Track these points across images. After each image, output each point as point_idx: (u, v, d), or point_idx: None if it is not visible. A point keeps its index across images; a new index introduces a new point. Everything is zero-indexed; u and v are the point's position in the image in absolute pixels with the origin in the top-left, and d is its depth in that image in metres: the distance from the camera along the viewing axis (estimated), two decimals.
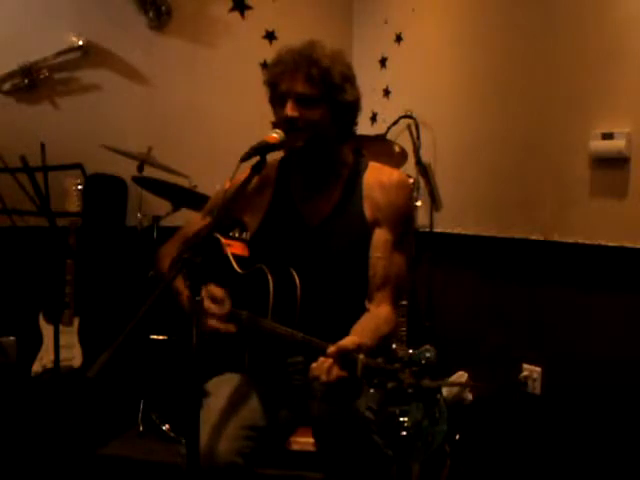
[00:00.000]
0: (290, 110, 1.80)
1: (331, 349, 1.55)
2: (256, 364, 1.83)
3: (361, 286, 1.87)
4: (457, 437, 2.89)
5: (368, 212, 1.88)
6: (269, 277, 1.80)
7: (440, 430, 2.74)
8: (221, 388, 1.84)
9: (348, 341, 1.58)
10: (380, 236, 1.86)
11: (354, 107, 1.89)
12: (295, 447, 1.90)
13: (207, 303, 1.81)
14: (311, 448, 1.86)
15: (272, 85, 1.87)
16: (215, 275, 1.93)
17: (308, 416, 1.87)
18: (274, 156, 1.91)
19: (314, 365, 1.58)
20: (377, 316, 1.81)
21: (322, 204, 1.92)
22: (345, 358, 1.55)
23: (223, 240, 2.01)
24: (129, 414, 3.06)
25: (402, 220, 1.89)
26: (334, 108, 1.84)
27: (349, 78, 1.86)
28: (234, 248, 2.00)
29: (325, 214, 1.91)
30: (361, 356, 1.52)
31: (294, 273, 1.83)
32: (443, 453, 2.77)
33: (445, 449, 2.79)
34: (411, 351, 1.52)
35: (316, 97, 1.81)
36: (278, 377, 1.88)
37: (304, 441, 1.89)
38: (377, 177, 1.91)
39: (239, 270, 1.93)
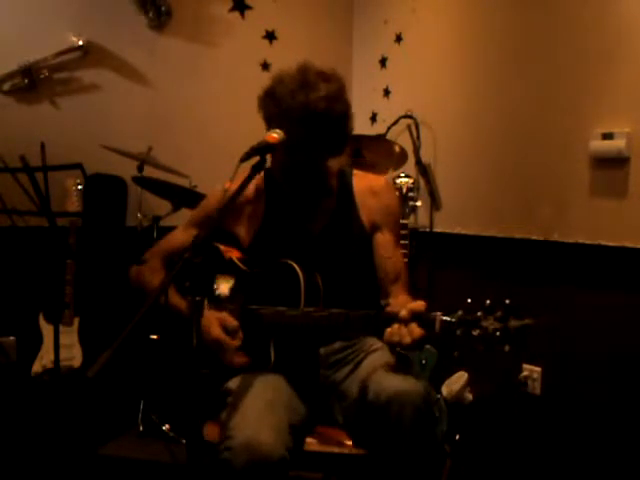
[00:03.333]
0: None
1: (403, 313, 1.60)
2: (282, 361, 1.84)
3: (366, 288, 1.97)
4: (457, 437, 2.89)
5: (365, 218, 1.99)
6: (297, 270, 1.83)
7: (440, 430, 2.74)
8: (254, 385, 1.81)
9: (416, 304, 1.63)
10: (382, 238, 1.98)
11: (348, 137, 1.97)
12: None
13: (220, 333, 1.84)
14: (312, 448, 1.86)
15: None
16: (221, 278, 1.96)
17: (330, 417, 1.90)
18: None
19: (389, 332, 1.63)
20: (399, 304, 1.83)
21: (319, 213, 1.99)
22: (420, 318, 1.59)
23: (222, 247, 2.02)
24: (129, 414, 3.06)
25: (396, 219, 2.06)
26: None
27: (346, 117, 1.92)
28: (234, 253, 2.01)
29: (324, 223, 1.98)
30: (438, 313, 1.56)
31: (297, 268, 1.85)
32: (443, 453, 2.77)
33: (445, 449, 2.79)
34: (488, 302, 1.51)
35: None
36: (304, 373, 1.88)
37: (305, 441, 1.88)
38: (366, 184, 2.03)
39: (249, 270, 1.94)
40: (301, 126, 1.82)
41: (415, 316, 1.60)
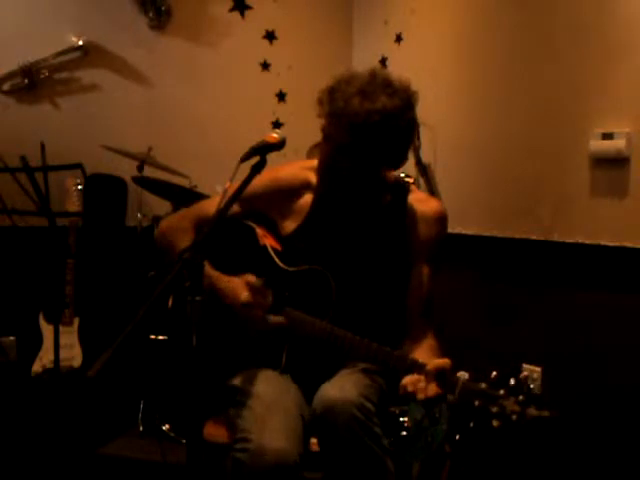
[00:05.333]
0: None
1: (429, 368, 1.59)
2: (292, 364, 1.83)
3: (392, 302, 1.93)
4: (457, 437, 2.89)
5: (410, 241, 1.92)
6: (332, 283, 1.80)
7: (440, 430, 2.73)
8: (265, 385, 1.79)
9: (444, 362, 1.61)
10: (421, 269, 1.91)
11: (406, 154, 1.87)
12: None
13: (247, 295, 1.81)
14: (312, 448, 1.85)
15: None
16: (251, 265, 1.91)
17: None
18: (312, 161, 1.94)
19: (408, 381, 1.61)
20: (423, 349, 1.83)
21: (365, 223, 1.93)
22: (443, 377, 1.58)
23: (258, 230, 1.97)
24: (129, 414, 3.06)
25: (440, 251, 1.95)
26: None
27: (405, 134, 1.79)
28: (270, 240, 1.96)
29: (367, 234, 1.92)
30: (462, 378, 1.56)
31: (331, 281, 1.83)
32: (443, 453, 2.77)
33: (445, 449, 2.79)
34: (513, 381, 1.53)
35: None
36: (312, 377, 1.86)
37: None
38: (420, 208, 1.94)
39: (282, 265, 1.91)
40: (348, 132, 1.74)
41: (439, 375, 1.58)
